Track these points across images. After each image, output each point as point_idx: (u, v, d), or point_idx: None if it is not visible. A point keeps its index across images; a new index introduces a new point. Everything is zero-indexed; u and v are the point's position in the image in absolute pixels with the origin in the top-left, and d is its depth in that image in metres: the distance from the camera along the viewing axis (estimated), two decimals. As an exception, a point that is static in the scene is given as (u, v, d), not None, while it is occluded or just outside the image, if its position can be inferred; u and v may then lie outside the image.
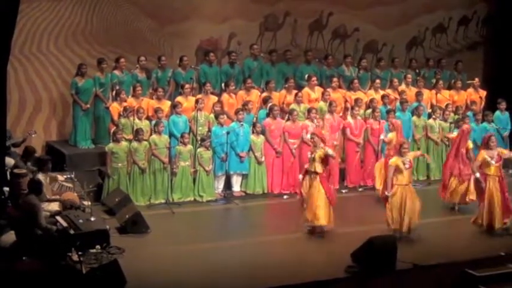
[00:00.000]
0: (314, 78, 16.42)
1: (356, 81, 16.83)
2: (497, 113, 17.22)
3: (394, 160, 12.59)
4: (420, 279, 11.30)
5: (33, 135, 14.64)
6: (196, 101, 15.12)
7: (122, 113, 14.83)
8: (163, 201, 14.34)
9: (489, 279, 11.49)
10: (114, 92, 15.37)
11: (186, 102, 15.31)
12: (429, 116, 16.75)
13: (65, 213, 11.88)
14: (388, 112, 15.87)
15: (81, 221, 11.61)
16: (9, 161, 13.03)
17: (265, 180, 15.24)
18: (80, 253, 10.80)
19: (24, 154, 13.48)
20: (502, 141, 17.19)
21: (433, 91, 17.40)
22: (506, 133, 17.20)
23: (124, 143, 14.28)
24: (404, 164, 12.52)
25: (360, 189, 15.67)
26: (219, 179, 14.98)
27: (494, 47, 20.36)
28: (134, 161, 14.25)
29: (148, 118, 15.00)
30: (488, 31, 20.54)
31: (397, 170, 12.52)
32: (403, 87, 17.16)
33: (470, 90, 17.81)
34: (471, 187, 13.82)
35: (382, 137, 15.24)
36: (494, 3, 20.40)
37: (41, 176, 12.24)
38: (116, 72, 15.65)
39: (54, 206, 12.07)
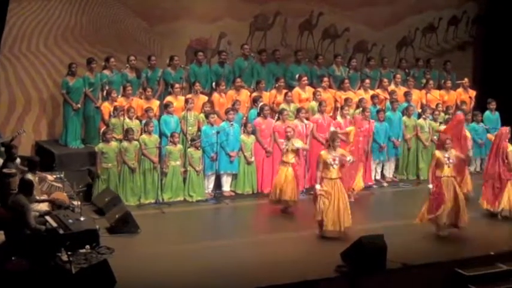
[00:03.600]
0: (305, 78, 16.42)
1: (346, 81, 16.85)
2: (487, 113, 17.24)
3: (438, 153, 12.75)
4: (410, 278, 11.30)
5: (22, 134, 14.61)
6: (186, 101, 15.11)
7: (112, 113, 14.81)
8: (153, 201, 14.30)
9: (479, 279, 11.52)
10: (104, 92, 15.36)
11: (176, 102, 15.29)
12: (419, 116, 16.77)
13: (54, 213, 11.83)
14: (378, 112, 15.91)
15: (70, 221, 11.56)
16: (-2, 160, 13.00)
17: (255, 180, 15.24)
18: (69, 253, 10.76)
19: (29, 164, 12.92)
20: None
21: (423, 91, 17.44)
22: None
23: (114, 143, 14.24)
24: (447, 159, 12.63)
25: (350, 189, 15.69)
26: (209, 179, 14.97)
27: (484, 47, 20.43)
28: (124, 161, 14.22)
29: (137, 118, 14.98)
30: (477, 31, 20.60)
31: (438, 164, 12.66)
32: (392, 87, 17.18)
33: (460, 90, 17.84)
34: None
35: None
36: (484, 3, 20.46)
37: (30, 176, 12.20)
38: (106, 72, 15.62)
39: (44, 206, 12.02)
